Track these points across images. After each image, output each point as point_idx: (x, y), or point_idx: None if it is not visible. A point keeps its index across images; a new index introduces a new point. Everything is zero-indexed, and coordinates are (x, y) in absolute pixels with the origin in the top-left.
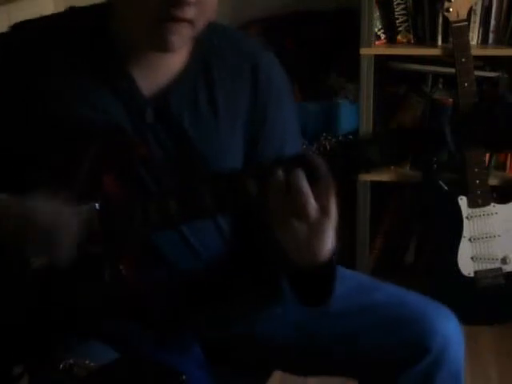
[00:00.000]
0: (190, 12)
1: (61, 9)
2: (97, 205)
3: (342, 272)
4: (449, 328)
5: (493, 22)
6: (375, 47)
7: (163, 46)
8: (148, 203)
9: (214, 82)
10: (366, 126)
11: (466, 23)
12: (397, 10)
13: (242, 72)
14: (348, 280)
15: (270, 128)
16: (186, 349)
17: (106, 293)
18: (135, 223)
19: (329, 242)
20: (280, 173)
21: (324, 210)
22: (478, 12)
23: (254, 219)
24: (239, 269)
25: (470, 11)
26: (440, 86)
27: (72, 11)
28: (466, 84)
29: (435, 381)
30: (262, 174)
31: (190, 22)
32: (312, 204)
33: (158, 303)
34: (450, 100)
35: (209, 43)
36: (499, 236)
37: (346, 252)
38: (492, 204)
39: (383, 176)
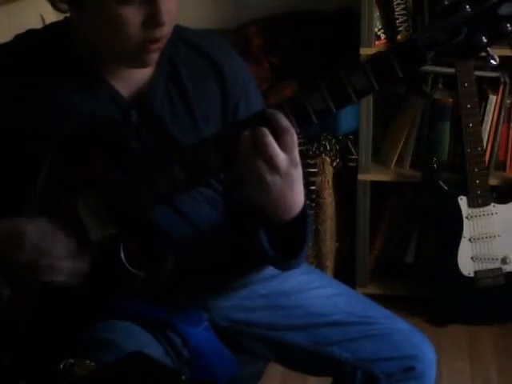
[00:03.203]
0: (165, 29)
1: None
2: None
3: (344, 287)
4: (432, 354)
5: None
6: (375, 47)
7: (144, 64)
8: (152, 173)
9: (183, 82)
10: (367, 125)
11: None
12: (397, 10)
13: (206, 73)
14: (350, 295)
15: None
16: (197, 323)
17: (122, 269)
18: (142, 196)
19: (300, 192)
20: (246, 133)
21: (292, 161)
22: None
23: (230, 181)
24: (231, 233)
25: None
26: (440, 86)
27: (31, 32)
28: (466, 84)
29: None
30: (226, 139)
31: (165, 36)
32: (281, 155)
33: (163, 274)
34: (450, 100)
35: (172, 45)
36: (499, 236)
37: (346, 252)
38: (492, 204)
39: (383, 176)
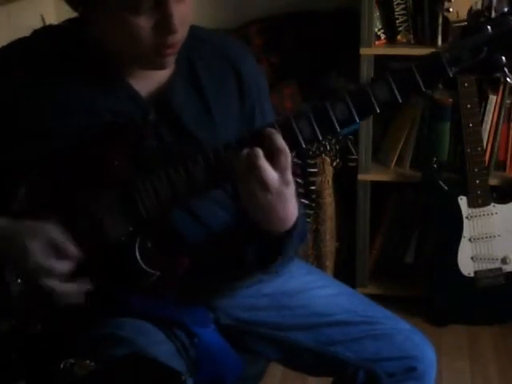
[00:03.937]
0: (179, 35)
1: (61, 9)
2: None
3: (345, 288)
4: (432, 354)
5: None
6: (375, 47)
7: (160, 67)
8: (170, 172)
9: (200, 81)
10: (366, 125)
11: (466, 23)
12: (397, 10)
13: (224, 72)
14: (351, 295)
15: (258, 123)
16: (206, 323)
17: (137, 268)
18: (161, 195)
19: (294, 206)
20: (241, 153)
21: (284, 180)
22: None
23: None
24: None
25: None
26: (440, 86)
27: (49, 28)
28: (466, 84)
29: None
30: (223, 156)
31: (179, 41)
32: (273, 176)
33: (177, 275)
34: (450, 100)
35: (190, 45)
36: (499, 236)
37: (346, 252)
38: (492, 204)
39: (383, 176)
